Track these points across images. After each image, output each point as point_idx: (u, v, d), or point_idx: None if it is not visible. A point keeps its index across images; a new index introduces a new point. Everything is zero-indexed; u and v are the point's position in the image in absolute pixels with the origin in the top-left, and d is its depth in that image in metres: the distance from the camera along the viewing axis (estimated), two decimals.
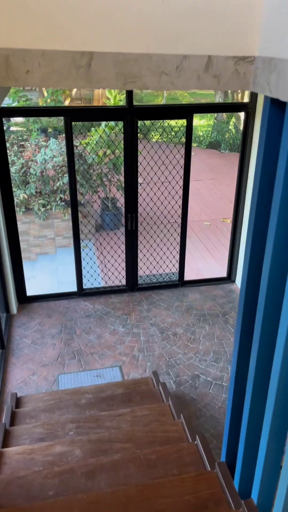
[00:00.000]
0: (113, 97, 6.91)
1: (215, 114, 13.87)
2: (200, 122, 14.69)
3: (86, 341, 4.89)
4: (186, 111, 4.92)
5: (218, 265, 6.59)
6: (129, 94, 4.70)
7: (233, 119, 13.54)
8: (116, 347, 4.80)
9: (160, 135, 12.69)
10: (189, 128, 4.99)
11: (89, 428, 3.23)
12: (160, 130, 12.22)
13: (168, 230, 6.07)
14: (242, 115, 14.88)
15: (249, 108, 5.05)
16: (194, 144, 13.64)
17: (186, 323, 5.21)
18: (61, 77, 1.52)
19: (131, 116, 4.78)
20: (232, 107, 5.10)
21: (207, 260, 6.75)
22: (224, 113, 13.59)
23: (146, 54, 1.52)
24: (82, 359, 4.63)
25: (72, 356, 4.66)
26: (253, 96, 4.97)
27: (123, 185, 7.57)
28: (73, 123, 4.72)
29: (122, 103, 7.16)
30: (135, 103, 4.68)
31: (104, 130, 7.16)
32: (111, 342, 4.88)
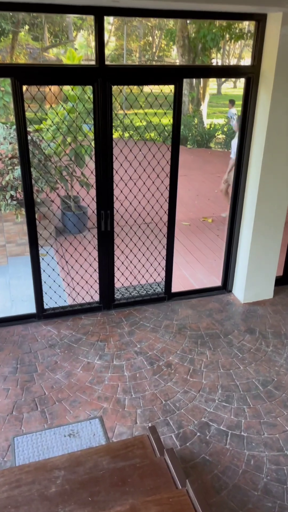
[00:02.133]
0: (74, 58, 5.62)
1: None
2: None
3: (52, 382, 3.62)
4: (174, 74, 3.80)
5: (206, 271, 5.51)
6: (100, 49, 3.52)
7: (199, 112, 12.64)
8: (93, 389, 3.56)
9: (122, 131, 11.58)
10: (178, 97, 3.86)
11: None
12: (121, 126, 11.11)
13: (152, 231, 4.91)
14: (205, 110, 13.96)
15: (250, 73, 4.00)
16: (159, 140, 12.65)
17: (180, 348, 4.05)
18: None
19: (103, 79, 3.60)
20: (230, 71, 4.00)
21: (192, 266, 5.65)
22: (190, 106, 12.65)
23: None
24: (46, 409, 3.36)
25: (33, 407, 3.38)
26: (257, 58, 3.92)
27: (88, 180, 6.38)
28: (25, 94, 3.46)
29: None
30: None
31: (63, 107, 5.93)
32: (86, 381, 3.64)
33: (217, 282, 5.16)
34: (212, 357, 3.95)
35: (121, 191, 4.17)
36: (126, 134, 12.40)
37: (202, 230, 6.90)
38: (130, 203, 4.36)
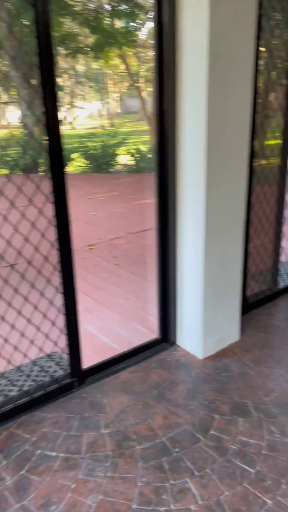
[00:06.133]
0: None
1: (21, 129, 10.78)
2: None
3: None
4: None
5: (121, 318, 3.49)
6: None
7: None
8: None
9: None
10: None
11: None
12: None
13: (39, 267, 2.72)
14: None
15: None
16: (5, 171, 10.46)
17: (136, 493, 1.90)
18: None
19: None
20: None
21: (97, 314, 3.58)
22: (35, 129, 10.58)
23: None
24: None
25: None
26: None
27: None
28: None
29: None
30: None
31: None
32: None
33: (146, 332, 3.19)
34: (203, 492, 1.90)
35: None
36: None
37: (92, 261, 4.88)
38: None
